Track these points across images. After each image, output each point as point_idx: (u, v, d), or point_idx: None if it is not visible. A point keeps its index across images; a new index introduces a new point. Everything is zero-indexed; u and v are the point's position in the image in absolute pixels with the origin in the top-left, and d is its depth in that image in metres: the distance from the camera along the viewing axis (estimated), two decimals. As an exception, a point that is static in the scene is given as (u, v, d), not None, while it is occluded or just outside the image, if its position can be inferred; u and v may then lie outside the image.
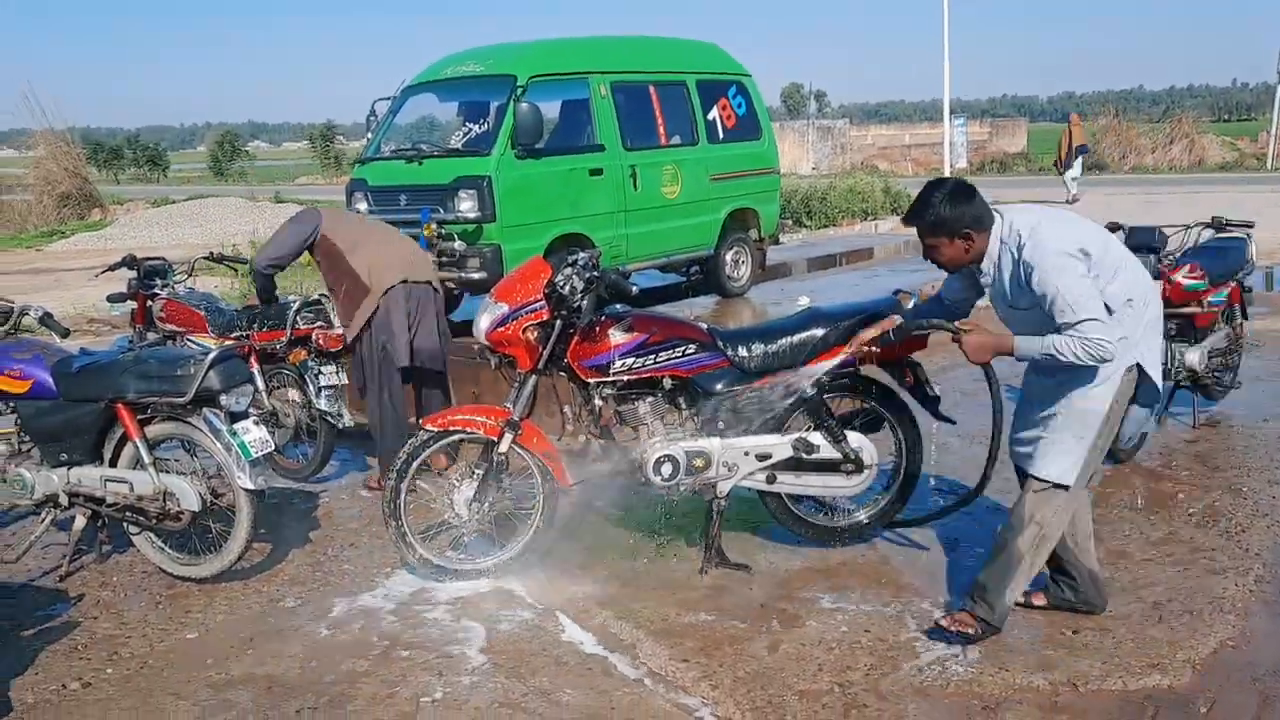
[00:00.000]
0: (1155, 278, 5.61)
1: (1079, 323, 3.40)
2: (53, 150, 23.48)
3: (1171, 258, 5.83)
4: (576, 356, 4.27)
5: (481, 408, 4.62)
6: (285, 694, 3.59)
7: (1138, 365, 3.60)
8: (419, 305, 5.33)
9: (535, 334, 4.24)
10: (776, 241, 10.12)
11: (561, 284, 4.13)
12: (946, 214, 3.57)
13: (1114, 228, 5.93)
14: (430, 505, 4.64)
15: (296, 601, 4.33)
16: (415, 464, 4.33)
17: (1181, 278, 5.70)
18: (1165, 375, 5.79)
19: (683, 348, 4.31)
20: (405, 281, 5.27)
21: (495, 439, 4.29)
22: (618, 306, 4.42)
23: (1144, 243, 5.73)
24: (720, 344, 4.37)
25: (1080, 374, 3.56)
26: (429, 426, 4.35)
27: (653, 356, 4.27)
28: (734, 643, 3.83)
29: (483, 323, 4.29)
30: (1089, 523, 3.93)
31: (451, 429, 4.37)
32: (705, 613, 4.08)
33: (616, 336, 4.26)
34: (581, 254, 4.36)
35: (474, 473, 4.36)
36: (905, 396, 4.58)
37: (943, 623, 3.78)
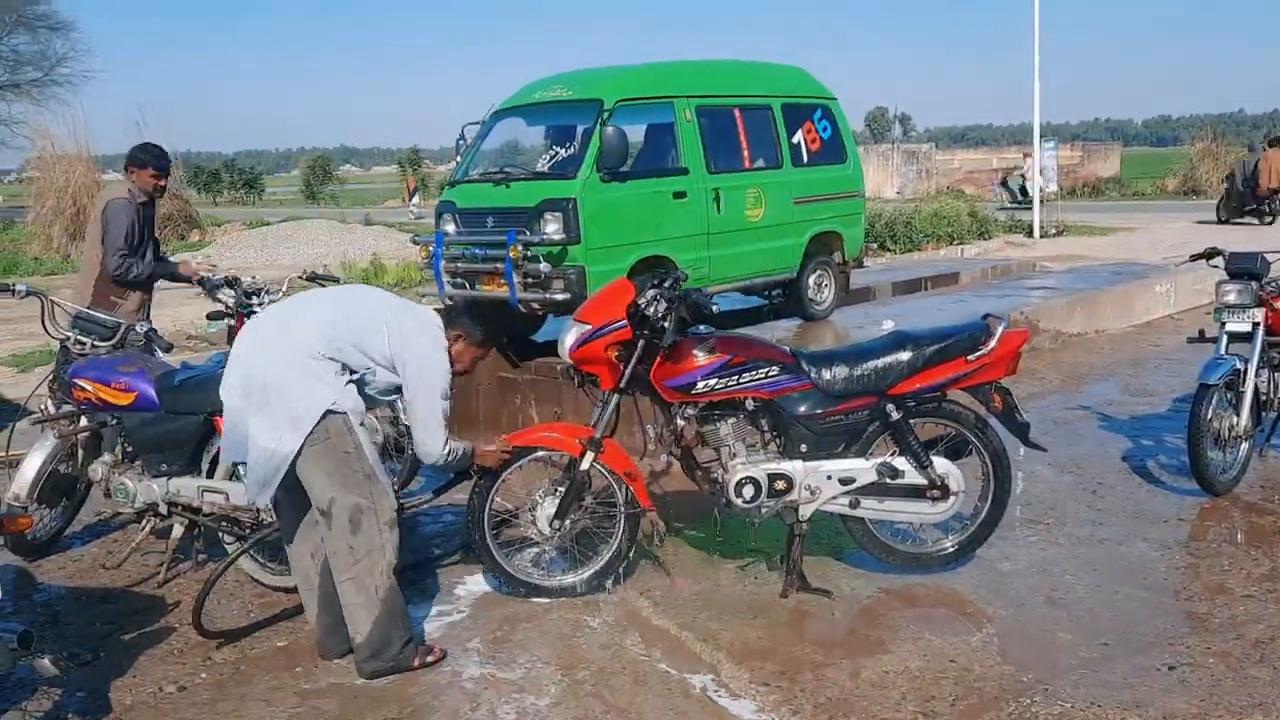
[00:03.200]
0: (1257, 305, 5.45)
1: None
2: (156, 174, 24.33)
3: (1274, 284, 5.63)
4: (659, 377, 4.29)
5: (564, 426, 4.66)
6: (370, 704, 3.66)
7: None
8: None
9: (618, 353, 4.27)
10: (860, 265, 10.03)
11: (645, 305, 4.16)
12: None
13: (1213, 253, 5.77)
14: (513, 522, 4.69)
15: (382, 614, 4.40)
16: (499, 480, 4.39)
17: (1285, 305, 5.50)
18: (1267, 405, 5.62)
19: (766, 369, 4.30)
20: None
21: (578, 457, 4.32)
22: (701, 327, 4.43)
23: (1245, 269, 5.54)
24: (804, 366, 4.35)
25: None
26: (513, 444, 4.40)
27: (735, 377, 4.27)
28: (815, 668, 3.79)
29: (566, 341, 4.34)
30: None
31: (535, 446, 4.42)
32: (786, 637, 4.05)
33: (700, 357, 4.26)
34: (666, 275, 4.39)
35: (556, 490, 4.40)
36: (994, 422, 4.50)
37: None
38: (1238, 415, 5.34)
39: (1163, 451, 6.19)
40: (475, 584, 4.66)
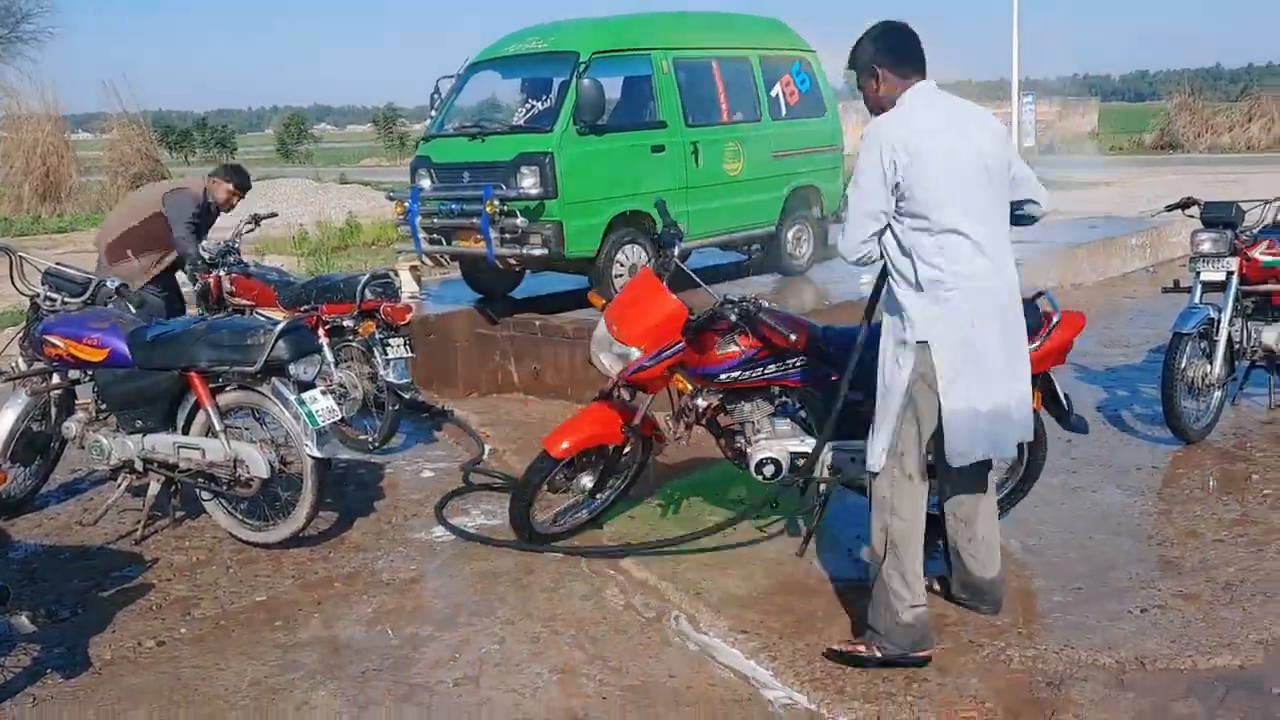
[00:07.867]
0: (1231, 254, 5.48)
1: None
2: (126, 133, 24.00)
3: (1249, 234, 5.67)
4: (683, 364, 4.20)
5: (598, 413, 4.42)
6: (350, 656, 3.67)
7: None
8: None
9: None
10: (838, 219, 9.99)
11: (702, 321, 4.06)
12: (860, 46, 3.42)
13: (1189, 203, 5.79)
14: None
15: (361, 568, 4.41)
16: (545, 483, 4.39)
17: (1259, 254, 5.54)
18: (1240, 354, 5.67)
19: (792, 360, 4.10)
20: None
21: (622, 444, 4.38)
22: (724, 299, 4.29)
23: (1220, 218, 5.57)
24: (827, 349, 4.09)
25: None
26: (559, 450, 4.27)
27: (761, 369, 4.12)
28: (795, 615, 3.82)
29: (615, 366, 4.18)
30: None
31: (588, 446, 4.36)
32: (766, 587, 4.08)
33: (726, 349, 4.09)
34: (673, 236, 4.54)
35: (594, 466, 4.44)
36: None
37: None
38: (1211, 364, 5.39)
39: (1137, 401, 6.25)
40: (459, 540, 4.66)
